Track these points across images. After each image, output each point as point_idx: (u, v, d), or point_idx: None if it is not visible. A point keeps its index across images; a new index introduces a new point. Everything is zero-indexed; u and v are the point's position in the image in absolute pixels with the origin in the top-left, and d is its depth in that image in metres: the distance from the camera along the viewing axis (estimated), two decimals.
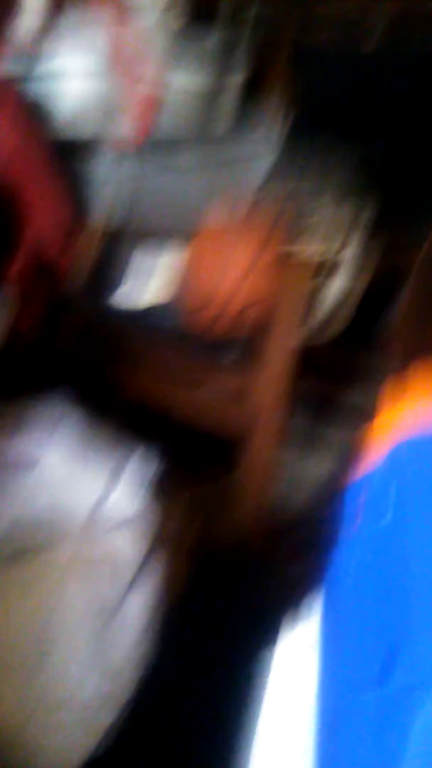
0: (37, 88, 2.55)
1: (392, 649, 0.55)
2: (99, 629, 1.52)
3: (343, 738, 0.55)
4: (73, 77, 2.57)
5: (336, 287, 2.22)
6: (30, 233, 2.46)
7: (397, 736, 0.50)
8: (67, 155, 2.60)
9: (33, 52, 2.51)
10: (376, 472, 0.69)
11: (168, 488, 1.71)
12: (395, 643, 0.55)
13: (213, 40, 2.67)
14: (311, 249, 2.30)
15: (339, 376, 2.18)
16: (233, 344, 2.01)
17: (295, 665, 0.76)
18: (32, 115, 2.48)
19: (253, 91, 2.90)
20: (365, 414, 1.58)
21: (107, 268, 2.62)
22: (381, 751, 0.51)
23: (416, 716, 0.49)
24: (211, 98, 2.70)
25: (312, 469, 2.07)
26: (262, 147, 2.83)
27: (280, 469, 1.95)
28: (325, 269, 2.15)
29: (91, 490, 1.66)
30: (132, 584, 1.57)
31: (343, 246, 2.31)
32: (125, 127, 2.56)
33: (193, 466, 2.25)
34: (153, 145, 2.54)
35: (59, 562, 1.56)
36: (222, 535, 2.06)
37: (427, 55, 2.51)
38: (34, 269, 2.41)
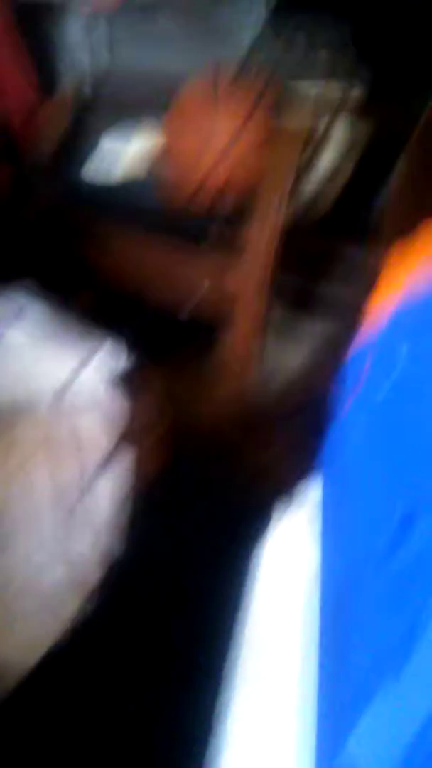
0: None
1: (406, 514, 0.51)
2: (65, 514, 1.46)
3: (352, 619, 0.48)
4: None
5: (324, 164, 2.09)
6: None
7: (415, 608, 0.45)
8: (35, 18, 2.42)
9: None
10: (381, 335, 0.59)
11: (141, 372, 1.60)
12: (410, 507, 0.51)
13: None
14: (298, 123, 2.17)
15: (322, 264, 2.07)
16: (214, 222, 1.88)
17: (287, 554, 0.68)
18: None
19: None
20: (346, 305, 1.50)
21: (78, 140, 2.49)
22: (396, 629, 0.46)
23: None
24: None
25: (290, 359, 1.97)
26: (246, 16, 2.67)
27: (257, 357, 1.85)
28: (312, 144, 2.01)
29: (58, 371, 1.58)
30: (100, 469, 1.51)
31: (331, 121, 2.19)
32: None
33: (168, 350, 2.16)
34: (130, 8, 2.34)
35: (23, 442, 1.49)
36: (198, 421, 1.97)
37: None
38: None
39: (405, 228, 1.89)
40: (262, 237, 1.84)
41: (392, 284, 0.69)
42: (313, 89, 2.14)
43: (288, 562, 0.67)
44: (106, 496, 1.50)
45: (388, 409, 0.57)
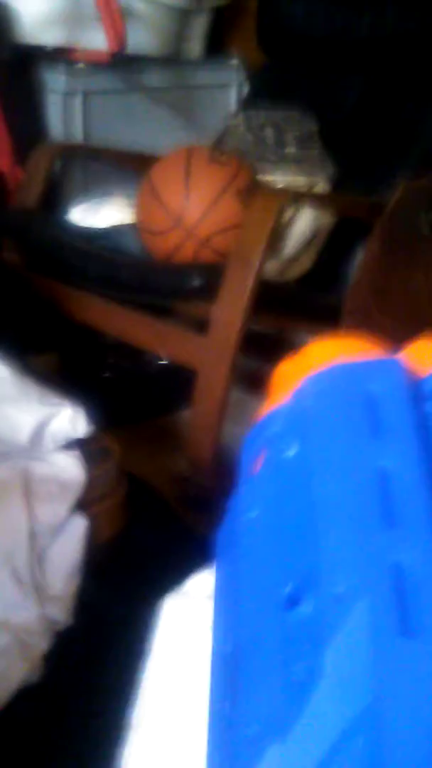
0: None
1: (297, 583, 0.54)
2: (39, 551, 1.46)
3: (247, 670, 0.50)
4: None
5: (303, 225, 2.14)
6: None
7: (306, 665, 0.49)
8: (28, 64, 2.49)
9: None
10: (283, 408, 0.63)
11: (100, 439, 1.62)
12: (300, 576, 0.54)
13: None
14: (280, 182, 2.22)
15: (296, 315, 2.11)
16: (197, 272, 1.91)
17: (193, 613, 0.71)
18: None
19: (229, 16, 2.83)
20: None
21: (65, 186, 2.53)
22: (283, 695, 0.49)
23: (326, 647, 0.48)
24: (186, 17, 2.61)
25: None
26: (234, 74, 2.76)
27: (216, 434, 1.87)
28: (292, 204, 2.07)
29: (37, 409, 1.57)
30: (75, 507, 1.51)
31: (311, 183, 2.25)
32: (94, 39, 2.45)
33: (128, 417, 2.20)
34: (122, 60, 2.41)
35: (0, 478, 1.48)
36: (170, 468, 2.01)
37: None
38: None
39: (367, 310, 1.95)
40: (228, 317, 1.87)
41: (307, 358, 0.73)
42: (281, 181, 2.20)
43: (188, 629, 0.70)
44: (79, 533, 1.51)
45: (283, 479, 0.62)
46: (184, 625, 0.69)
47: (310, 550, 0.53)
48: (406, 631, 0.46)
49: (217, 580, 0.67)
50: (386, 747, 0.43)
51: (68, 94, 2.54)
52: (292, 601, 0.52)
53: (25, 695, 1.35)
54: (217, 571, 0.67)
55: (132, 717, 0.64)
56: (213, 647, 0.61)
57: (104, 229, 2.16)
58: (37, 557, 1.45)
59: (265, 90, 2.62)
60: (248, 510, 0.61)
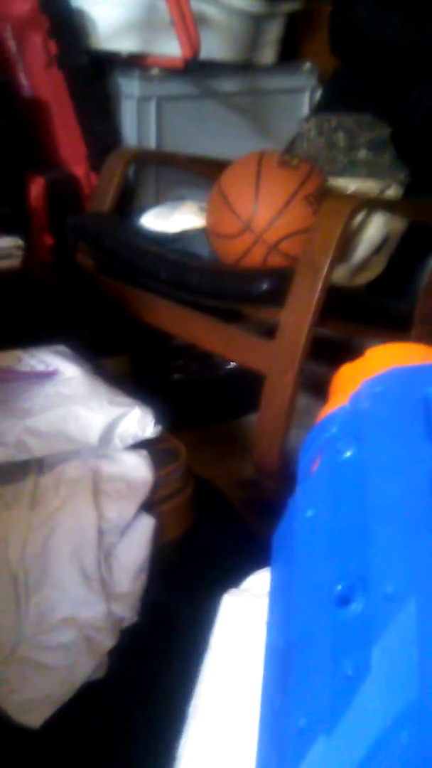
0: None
1: (348, 582, 0.55)
2: (107, 549, 1.49)
3: (298, 665, 0.51)
4: None
5: (373, 230, 2.14)
6: (55, 152, 2.41)
7: (355, 662, 0.50)
8: (103, 70, 2.53)
9: None
10: (341, 410, 0.64)
11: (168, 440, 1.64)
12: (352, 576, 0.55)
13: None
14: (351, 186, 2.22)
15: (366, 321, 2.11)
16: (265, 277, 1.93)
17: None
18: (67, 27, 2.41)
19: (302, 21, 2.84)
20: None
21: (138, 191, 2.56)
22: (330, 690, 0.50)
23: (374, 644, 0.49)
24: (260, 23, 2.63)
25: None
26: (307, 79, 2.77)
27: (283, 440, 1.88)
28: (363, 209, 2.07)
29: (107, 409, 1.60)
30: (142, 507, 1.54)
31: (383, 188, 2.24)
32: (168, 45, 2.48)
33: (196, 420, 2.22)
34: (196, 66, 2.44)
35: (70, 476, 1.52)
36: (236, 471, 2.02)
37: None
38: (58, 189, 2.37)
39: None
40: (296, 323, 1.87)
41: (369, 363, 0.74)
42: (351, 186, 2.20)
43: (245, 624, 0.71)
44: (147, 532, 1.54)
45: (339, 479, 0.63)
46: (242, 620, 0.70)
47: (363, 549, 0.54)
48: None
49: (273, 577, 0.68)
50: (431, 742, 0.44)
51: (142, 100, 2.58)
52: (344, 600, 0.53)
53: (90, 690, 1.37)
54: (274, 569, 0.69)
55: (190, 709, 0.66)
56: (267, 642, 0.62)
57: (176, 233, 2.18)
58: (105, 555, 1.47)
59: (338, 95, 2.63)
60: (305, 509, 0.62)
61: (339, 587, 0.54)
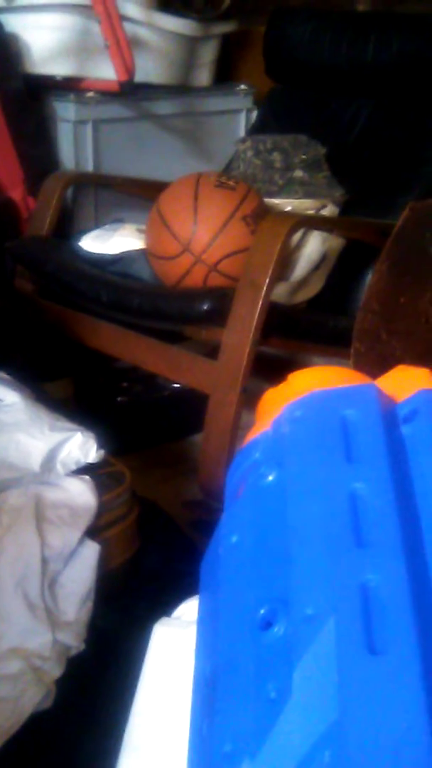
0: (9, 22, 2.46)
1: (271, 606, 0.56)
2: (51, 576, 1.47)
3: (223, 690, 0.51)
4: (50, 11, 2.49)
5: (311, 248, 2.16)
6: None
7: (278, 684, 0.50)
8: (39, 94, 2.53)
9: None
10: (264, 435, 0.65)
11: (111, 465, 1.64)
12: (274, 599, 0.55)
13: None
14: (288, 205, 2.24)
15: (307, 338, 2.12)
16: (206, 297, 1.94)
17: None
18: (2, 51, 2.41)
19: (236, 43, 2.87)
20: None
21: (76, 213, 2.56)
22: (254, 715, 0.51)
23: (294, 668, 0.49)
24: (194, 45, 2.65)
25: None
26: (242, 100, 2.80)
27: (227, 459, 1.88)
28: (300, 227, 2.09)
29: (48, 435, 1.59)
30: (87, 533, 1.52)
31: (319, 207, 2.26)
32: (103, 68, 2.49)
33: (140, 443, 2.21)
34: (131, 89, 2.45)
35: (12, 504, 1.50)
36: (182, 492, 2.02)
37: (421, 17, 2.44)
38: None
39: (376, 332, 1.96)
40: (238, 342, 1.88)
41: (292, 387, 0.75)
42: (288, 205, 2.22)
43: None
44: (91, 559, 1.52)
45: (260, 505, 0.63)
46: (173, 649, 0.70)
47: (284, 573, 0.54)
48: (371, 649, 0.48)
49: (201, 604, 0.68)
50: (352, 762, 0.45)
51: (78, 124, 2.58)
52: (266, 623, 0.54)
53: (38, 721, 1.36)
54: (201, 596, 0.69)
55: (123, 739, 0.66)
56: (195, 669, 0.63)
57: (115, 255, 2.18)
58: (50, 583, 1.46)
59: (273, 116, 2.66)
60: (229, 535, 0.63)
61: (262, 611, 0.54)
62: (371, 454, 0.59)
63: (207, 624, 0.62)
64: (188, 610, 0.75)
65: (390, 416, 0.63)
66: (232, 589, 0.58)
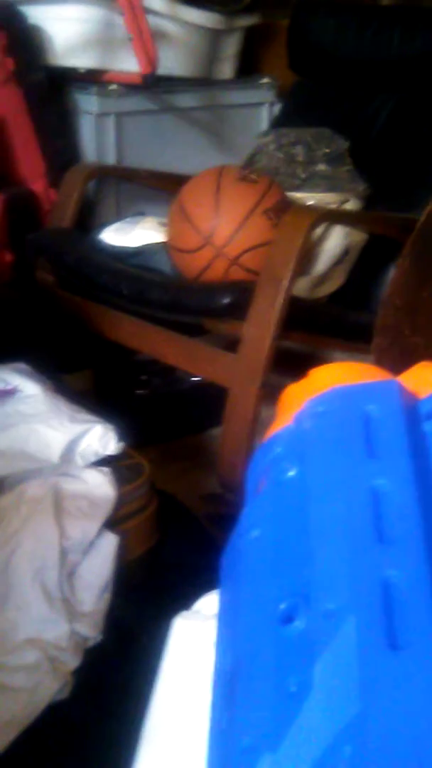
0: (32, 15, 2.46)
1: (292, 600, 0.55)
2: (70, 568, 1.48)
3: (244, 684, 0.51)
4: (73, 3, 2.49)
5: (333, 242, 2.15)
6: (13, 169, 2.41)
7: (298, 679, 0.50)
8: (62, 87, 2.53)
9: None
10: (285, 430, 0.65)
11: (131, 456, 1.64)
12: (295, 594, 0.55)
13: None
14: (310, 199, 2.24)
15: (327, 333, 2.12)
16: (227, 290, 1.93)
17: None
18: (25, 43, 2.41)
19: (260, 36, 2.86)
20: None
21: (98, 206, 2.57)
22: (275, 709, 0.51)
23: (316, 661, 0.49)
24: (218, 38, 2.64)
25: None
26: (266, 93, 2.79)
27: (247, 453, 1.88)
28: (322, 221, 2.08)
29: (68, 426, 1.60)
30: (105, 524, 1.53)
31: (342, 201, 2.26)
32: (126, 61, 2.49)
33: (160, 436, 2.21)
34: (154, 81, 2.45)
35: (31, 495, 1.51)
36: (201, 485, 2.02)
37: None
38: (17, 206, 2.36)
39: (398, 328, 1.95)
40: (258, 336, 1.87)
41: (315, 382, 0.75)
42: (310, 199, 2.21)
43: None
44: (110, 551, 1.53)
45: (282, 499, 0.63)
46: (192, 643, 0.70)
47: (305, 568, 0.54)
48: (392, 645, 0.48)
49: (221, 598, 0.68)
50: (372, 757, 0.45)
51: (101, 116, 2.58)
52: (287, 618, 0.54)
53: (54, 711, 1.36)
54: (222, 590, 0.69)
55: (141, 733, 0.66)
56: (215, 663, 0.63)
57: (136, 248, 2.18)
58: (68, 574, 1.47)
59: (296, 109, 2.65)
60: (250, 530, 0.63)
61: (282, 606, 0.54)
62: (393, 450, 0.59)
63: (228, 618, 0.62)
64: (208, 604, 0.75)
65: (412, 412, 0.63)
66: (253, 583, 0.58)
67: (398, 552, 0.52)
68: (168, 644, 0.72)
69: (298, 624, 0.52)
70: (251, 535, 0.62)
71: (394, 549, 0.52)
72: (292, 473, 0.62)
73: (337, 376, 0.70)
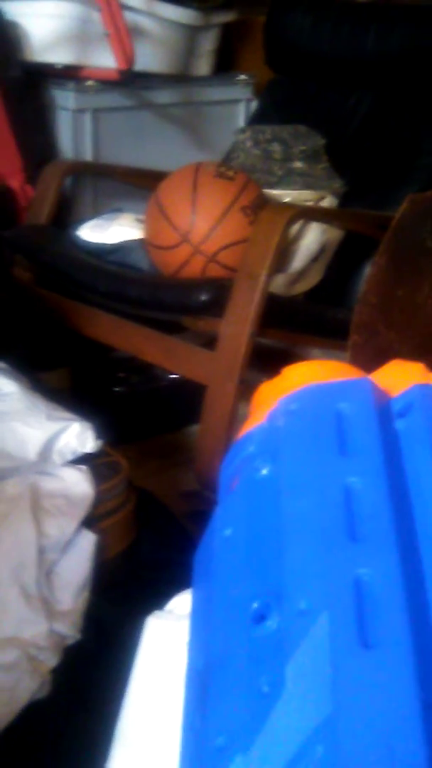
0: (9, 11, 2.45)
1: (264, 599, 0.55)
2: (48, 566, 1.47)
3: (216, 684, 0.51)
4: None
5: (310, 239, 2.16)
6: None
7: (271, 678, 0.50)
8: (38, 82, 2.52)
9: None
10: (258, 428, 0.65)
11: (109, 454, 1.64)
12: (268, 593, 0.55)
13: None
14: (287, 196, 2.24)
15: (304, 330, 2.12)
16: (204, 287, 1.93)
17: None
18: (1, 39, 2.40)
19: (237, 33, 2.86)
20: None
21: (75, 202, 2.56)
22: (247, 708, 0.51)
23: (287, 662, 0.49)
24: (195, 34, 2.64)
25: None
26: (242, 90, 2.79)
27: (224, 450, 1.87)
28: (299, 218, 2.08)
29: (45, 424, 1.59)
30: (83, 522, 1.52)
31: (318, 198, 2.26)
32: (103, 57, 2.48)
33: (138, 433, 2.21)
34: (131, 77, 2.44)
35: (9, 493, 1.50)
36: (179, 482, 2.02)
37: (422, 8, 2.43)
38: None
39: (374, 325, 1.96)
40: (235, 333, 1.88)
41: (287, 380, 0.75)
42: (287, 196, 2.21)
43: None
44: (88, 549, 1.52)
45: (254, 497, 0.63)
46: (165, 643, 0.70)
47: (277, 566, 0.54)
48: (364, 643, 0.48)
49: (194, 597, 0.68)
50: (345, 756, 0.45)
51: (78, 112, 2.57)
52: (260, 617, 0.54)
53: (32, 710, 1.36)
54: (194, 589, 0.69)
55: (115, 733, 0.66)
56: (188, 663, 0.63)
57: (113, 245, 2.18)
58: (46, 572, 1.46)
59: (273, 106, 2.65)
60: (223, 528, 0.63)
61: (255, 605, 0.54)
62: (365, 448, 0.59)
63: (200, 617, 0.62)
64: (181, 603, 0.75)
65: (384, 410, 0.63)
66: (225, 582, 0.58)
67: (370, 550, 0.52)
68: (141, 644, 0.72)
69: (271, 623, 0.52)
70: (224, 533, 0.62)
71: (366, 547, 0.52)
72: (264, 471, 0.62)
73: (310, 374, 0.70)
